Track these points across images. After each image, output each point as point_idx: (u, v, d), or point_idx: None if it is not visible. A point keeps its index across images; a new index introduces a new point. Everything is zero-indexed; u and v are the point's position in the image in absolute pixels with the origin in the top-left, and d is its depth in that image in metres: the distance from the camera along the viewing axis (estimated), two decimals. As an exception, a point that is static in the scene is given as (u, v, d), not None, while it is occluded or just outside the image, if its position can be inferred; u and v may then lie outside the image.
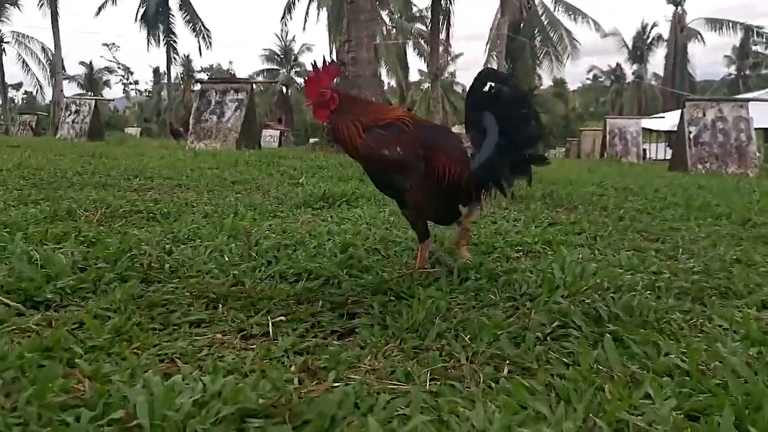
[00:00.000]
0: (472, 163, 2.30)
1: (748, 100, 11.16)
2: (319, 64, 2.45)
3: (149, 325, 1.89)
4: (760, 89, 47.81)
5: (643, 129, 24.27)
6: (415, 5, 46.39)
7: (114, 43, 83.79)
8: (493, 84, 2.32)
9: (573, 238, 3.36)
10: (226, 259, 2.67)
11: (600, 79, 70.43)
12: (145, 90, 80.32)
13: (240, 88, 12.98)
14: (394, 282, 2.32)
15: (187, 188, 5.64)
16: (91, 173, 6.46)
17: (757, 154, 10.79)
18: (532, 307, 2.06)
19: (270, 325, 1.94)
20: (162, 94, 70.61)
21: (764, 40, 49.05)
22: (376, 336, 1.88)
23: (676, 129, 31.94)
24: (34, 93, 59.10)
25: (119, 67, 75.94)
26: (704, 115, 11.12)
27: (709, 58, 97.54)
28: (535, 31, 41.02)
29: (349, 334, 1.96)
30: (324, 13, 42.50)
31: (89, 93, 64.56)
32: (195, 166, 8.03)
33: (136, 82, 74.23)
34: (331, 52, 44.78)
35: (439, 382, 1.49)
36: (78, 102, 21.64)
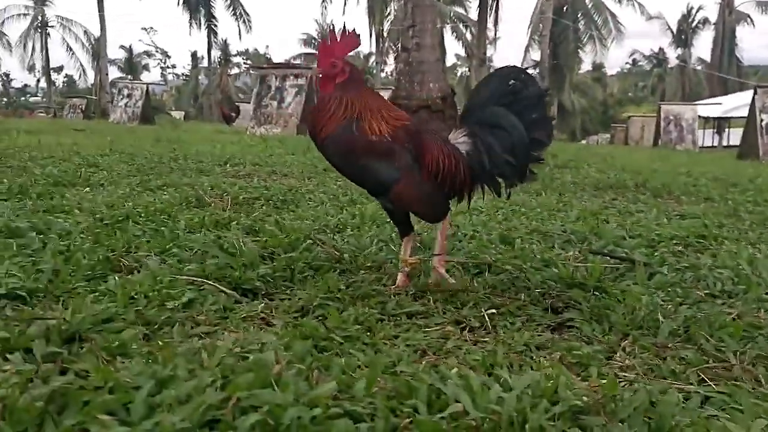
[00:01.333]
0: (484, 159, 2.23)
1: (824, 87, 10.83)
2: (338, 32, 2.29)
3: (376, 316, 1.93)
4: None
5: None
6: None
7: (152, 27, 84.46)
8: (516, 82, 2.26)
9: (719, 232, 3.32)
10: (394, 249, 2.71)
11: (640, 64, 68.94)
12: (182, 74, 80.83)
13: (300, 74, 13.04)
14: (579, 275, 2.34)
15: (284, 175, 5.71)
16: (184, 159, 6.57)
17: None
18: (742, 304, 2.06)
19: (486, 318, 1.97)
20: (199, 78, 71.18)
21: (816, 24, 47.41)
22: (596, 331, 1.89)
23: (727, 115, 31.12)
24: (76, 76, 60.00)
25: (157, 51, 76.64)
26: (777, 102, 10.84)
27: (758, 41, 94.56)
28: (579, 15, 40.26)
29: (560, 328, 1.98)
30: (364, -4, 42.19)
31: (128, 77, 65.43)
32: (271, 152, 8.12)
33: (174, 66, 74.81)
34: (370, 36, 44.62)
35: (715, 383, 1.50)
36: (130, 86, 21.99)
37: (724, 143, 32.56)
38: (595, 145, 30.60)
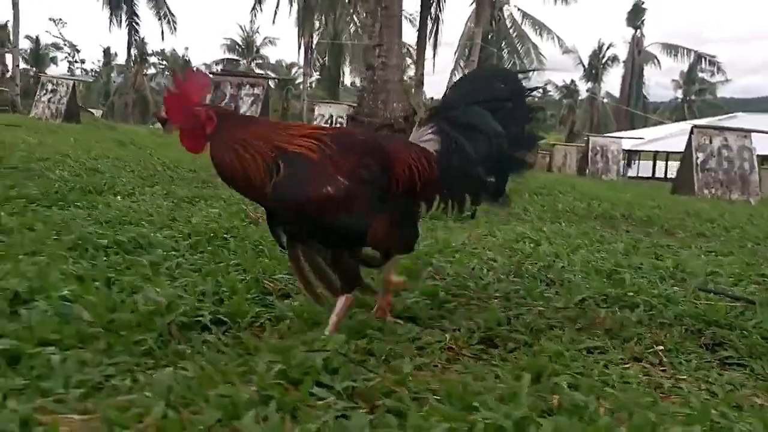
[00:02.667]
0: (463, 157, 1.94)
1: (752, 131, 11.83)
2: (182, 76, 1.86)
3: (561, 350, 1.97)
4: (705, 115, 50.22)
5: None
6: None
7: (61, 19, 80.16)
8: (505, 86, 2.05)
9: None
10: (493, 277, 2.77)
11: (550, 93, 72.25)
12: (92, 70, 77.17)
13: (256, 83, 12.85)
14: (708, 312, 2.48)
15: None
16: (173, 167, 6.34)
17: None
18: None
19: (661, 355, 2.06)
20: (112, 75, 68.26)
21: (712, 68, 51.50)
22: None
23: (635, 149, 33.09)
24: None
25: (65, 44, 72.87)
26: (710, 142, 11.74)
27: (659, 80, 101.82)
28: (503, 43, 41.79)
29: (723, 365, 2.09)
30: (295, 6, 41.97)
31: (33, 68, 61.78)
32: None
33: (83, 61, 71.21)
34: (299, 48, 44.39)
35: None
36: (55, 81, 20.80)
37: (632, 174, 34.65)
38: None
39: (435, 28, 26.76)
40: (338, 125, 18.45)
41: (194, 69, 1.91)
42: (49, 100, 20.15)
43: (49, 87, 20.42)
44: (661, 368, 2.00)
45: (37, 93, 20.81)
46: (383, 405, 1.37)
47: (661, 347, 2.13)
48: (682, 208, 7.62)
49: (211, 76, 14.34)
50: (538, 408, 1.46)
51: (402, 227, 1.95)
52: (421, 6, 23.10)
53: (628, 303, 2.55)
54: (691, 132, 11.87)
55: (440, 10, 25.65)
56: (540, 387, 1.63)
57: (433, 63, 33.43)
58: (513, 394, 1.49)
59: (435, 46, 28.24)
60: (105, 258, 2.43)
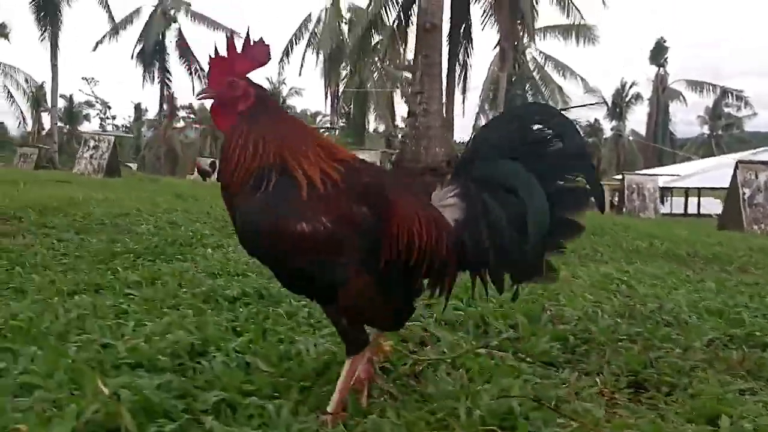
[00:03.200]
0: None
1: (798, 164, 11.77)
2: (239, 42, 1.60)
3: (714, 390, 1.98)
4: (733, 149, 49.86)
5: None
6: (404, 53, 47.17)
7: (93, 78, 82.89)
8: (544, 127, 1.60)
9: None
10: (610, 320, 2.78)
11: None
12: (123, 125, 79.29)
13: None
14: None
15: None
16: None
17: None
18: None
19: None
20: (142, 130, 70.10)
21: (737, 102, 51.30)
22: None
23: (667, 186, 32.86)
24: (14, 124, 57.83)
25: (97, 101, 75.13)
26: (756, 177, 11.66)
27: (684, 116, 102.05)
28: (527, 86, 42.19)
29: None
30: (321, 57, 42.98)
31: (67, 126, 63.77)
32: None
33: (114, 117, 73.30)
34: (326, 97, 45.30)
35: None
36: (96, 138, 21.45)
37: (665, 210, 34.33)
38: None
39: (463, 73, 27.16)
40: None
41: (252, 39, 1.59)
42: (91, 156, 20.74)
43: (91, 143, 21.05)
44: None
45: (80, 149, 21.47)
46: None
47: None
48: (742, 244, 7.54)
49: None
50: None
51: (390, 296, 1.56)
52: (449, 52, 23.51)
53: (758, 343, 2.54)
54: (736, 167, 11.81)
55: (468, 56, 26.05)
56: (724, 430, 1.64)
57: (463, 107, 33.73)
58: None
59: (464, 91, 28.56)
60: (241, 309, 2.50)
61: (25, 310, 2.27)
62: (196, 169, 21.72)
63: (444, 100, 21.00)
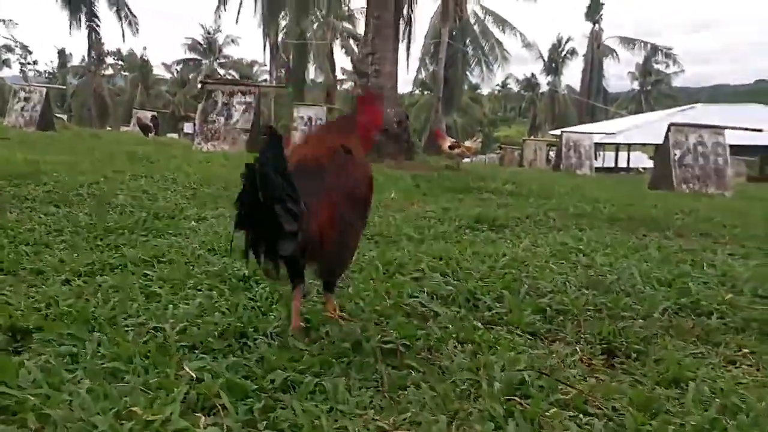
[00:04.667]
0: None
1: (725, 127, 12.58)
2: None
3: (675, 356, 2.38)
4: (662, 105, 51.75)
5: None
6: (346, 4, 46.45)
7: (11, 20, 77.95)
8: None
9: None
10: (577, 291, 3.16)
11: (509, 86, 73.34)
12: (45, 71, 75.25)
13: (248, 91, 13.04)
14: None
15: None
16: (203, 185, 6.54)
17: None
18: None
19: (750, 357, 2.48)
20: (67, 77, 66.84)
21: (666, 59, 53.11)
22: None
23: (600, 142, 34.10)
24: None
25: (17, 46, 70.90)
26: (687, 139, 12.44)
27: (619, 71, 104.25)
28: (467, 40, 42.41)
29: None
30: (259, 5, 41.85)
31: (-15, 72, 60.20)
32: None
33: (35, 62, 69.60)
34: (264, 48, 44.28)
35: None
36: (27, 89, 20.52)
37: (597, 165, 35.72)
38: (488, 164, 32.54)
39: (408, 29, 27.12)
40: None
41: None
42: (22, 108, 19.90)
43: (22, 95, 20.16)
44: (756, 369, 2.41)
45: (10, 101, 20.52)
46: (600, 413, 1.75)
47: (746, 350, 2.55)
48: (675, 206, 8.16)
49: (206, 84, 14.35)
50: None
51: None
52: (395, 7, 23.40)
53: (704, 311, 2.97)
54: (668, 130, 12.53)
55: (411, 10, 26.01)
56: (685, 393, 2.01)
57: (407, 63, 33.75)
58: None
59: (408, 46, 28.58)
60: (256, 288, 2.74)
61: (61, 294, 2.44)
62: (135, 122, 21.08)
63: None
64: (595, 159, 36.49)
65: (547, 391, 1.86)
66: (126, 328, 2.12)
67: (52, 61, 73.70)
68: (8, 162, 6.48)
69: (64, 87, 56.52)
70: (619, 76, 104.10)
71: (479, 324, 2.51)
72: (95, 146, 11.16)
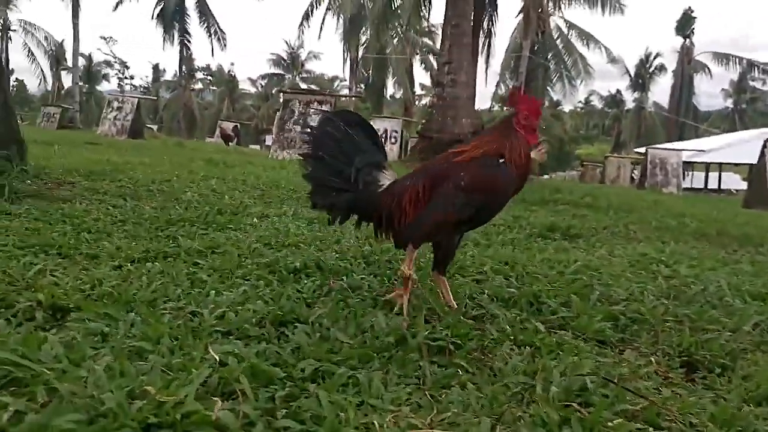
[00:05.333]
0: None
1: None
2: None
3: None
4: (757, 124, 49.00)
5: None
6: (426, 20, 46.53)
7: (111, 37, 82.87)
8: None
9: None
10: (655, 301, 2.87)
11: (592, 103, 71.32)
12: (140, 86, 79.27)
13: (324, 100, 13.17)
14: None
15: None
16: (271, 187, 6.55)
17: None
18: None
19: None
20: (160, 91, 70.17)
21: (763, 76, 50.29)
22: None
23: (688, 160, 32.60)
24: (35, 82, 58.00)
25: (116, 61, 75.08)
26: (786, 154, 11.59)
27: (711, 89, 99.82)
28: (549, 54, 41.58)
29: None
30: (341, 21, 42.57)
31: (86, 85, 64.01)
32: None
33: (132, 77, 73.39)
34: (345, 62, 44.97)
35: None
36: (120, 99, 21.59)
37: (686, 185, 34.08)
38: (567, 181, 31.62)
39: (487, 41, 26.85)
40: (393, 138, 18.74)
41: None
42: (114, 118, 20.91)
43: (115, 105, 21.21)
44: None
45: (104, 110, 21.62)
46: (675, 428, 1.51)
47: None
48: (770, 225, 7.56)
49: (284, 94, 14.63)
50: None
51: None
52: (474, 20, 23.17)
53: None
54: (765, 146, 11.71)
55: (492, 24, 25.73)
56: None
57: (486, 76, 33.39)
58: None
59: (487, 59, 28.28)
60: (305, 281, 2.62)
61: (108, 277, 2.40)
62: (218, 133, 21.74)
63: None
64: (683, 178, 34.95)
65: (612, 399, 1.63)
66: (163, 311, 2.04)
67: (147, 76, 77.65)
68: (90, 162, 6.70)
69: (155, 98, 59.36)
70: (710, 93, 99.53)
71: (541, 327, 2.29)
72: (177, 153, 11.50)
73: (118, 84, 78.81)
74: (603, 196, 9.24)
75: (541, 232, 5.04)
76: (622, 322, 2.53)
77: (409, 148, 19.06)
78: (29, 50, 51.23)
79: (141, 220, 3.73)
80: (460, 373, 1.80)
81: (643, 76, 56.65)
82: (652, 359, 2.17)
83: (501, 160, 2.32)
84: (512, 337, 2.16)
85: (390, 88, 52.61)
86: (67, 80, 53.96)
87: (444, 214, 2.33)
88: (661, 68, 54.93)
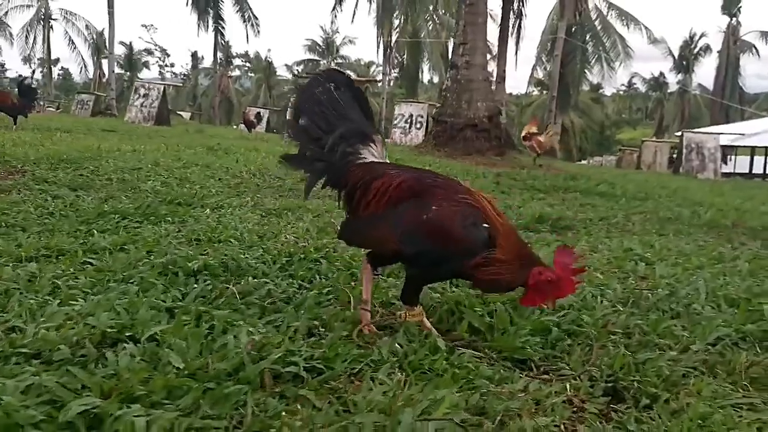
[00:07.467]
0: None
1: None
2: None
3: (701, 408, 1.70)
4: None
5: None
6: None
7: (152, 25, 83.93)
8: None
9: None
10: (609, 308, 2.48)
11: (635, 86, 69.30)
12: (180, 73, 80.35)
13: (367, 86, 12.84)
14: None
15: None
16: (258, 174, 6.30)
17: None
18: None
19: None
20: (199, 78, 70.94)
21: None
22: None
23: (731, 144, 31.27)
24: (77, 70, 59.25)
25: (156, 49, 76.12)
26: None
27: (759, 69, 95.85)
28: (588, 36, 40.37)
29: None
30: (374, 5, 42.07)
31: (127, 73, 65.13)
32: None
33: (172, 65, 74.41)
34: (378, 46, 44.51)
35: None
36: (147, 86, 21.61)
37: (728, 170, 32.72)
38: (604, 166, 30.65)
39: (518, 22, 26.12)
40: (418, 123, 18.27)
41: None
42: (141, 105, 20.97)
43: (142, 92, 21.24)
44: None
45: (131, 97, 21.71)
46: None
47: None
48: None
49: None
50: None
51: None
52: (503, 1, 22.46)
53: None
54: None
55: (523, 5, 24.97)
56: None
57: (516, 59, 32.61)
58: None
59: (518, 42, 27.52)
60: (195, 285, 2.32)
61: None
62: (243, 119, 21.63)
63: (495, 51, 20.14)
64: (725, 163, 33.57)
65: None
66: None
67: (187, 63, 78.55)
68: (73, 149, 6.54)
69: (181, 84, 59.91)
70: (758, 75, 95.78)
71: (442, 344, 1.94)
72: (186, 140, 11.32)
73: (159, 72, 79.98)
74: (621, 184, 8.72)
75: (527, 224, 4.67)
76: (553, 335, 2.17)
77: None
78: (70, 39, 52.21)
79: (70, 213, 3.49)
80: (299, 408, 1.47)
81: (687, 58, 54.74)
82: (568, 385, 1.81)
83: (485, 225, 1.95)
84: (399, 359, 1.82)
85: (426, 74, 52.07)
86: (107, 68, 54.83)
87: (387, 233, 2.02)
88: (706, 49, 52.89)
